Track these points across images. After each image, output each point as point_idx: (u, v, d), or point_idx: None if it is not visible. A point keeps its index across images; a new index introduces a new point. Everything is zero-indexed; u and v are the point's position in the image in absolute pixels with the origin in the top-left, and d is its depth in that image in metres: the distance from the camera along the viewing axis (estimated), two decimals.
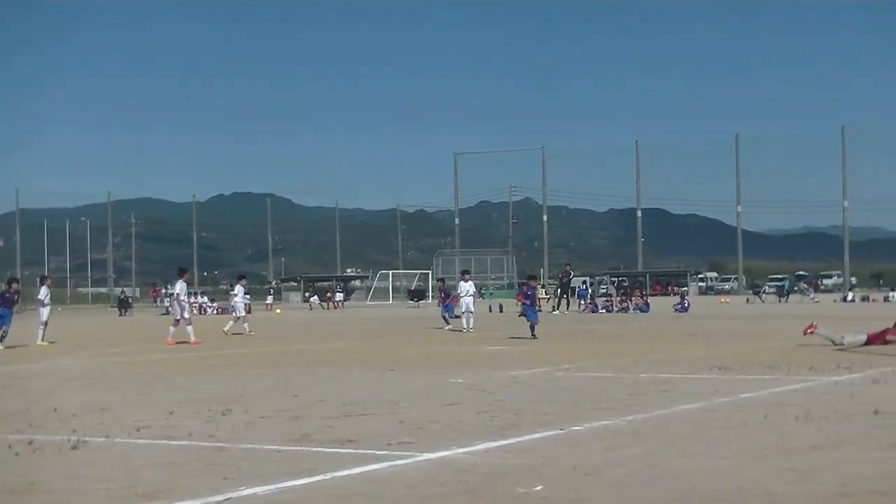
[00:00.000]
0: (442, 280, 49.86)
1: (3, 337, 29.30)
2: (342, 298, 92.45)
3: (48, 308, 31.45)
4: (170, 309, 30.59)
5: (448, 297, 40.99)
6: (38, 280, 34.80)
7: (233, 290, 41.15)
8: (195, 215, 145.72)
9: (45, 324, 30.94)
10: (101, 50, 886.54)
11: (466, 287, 35.56)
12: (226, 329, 36.62)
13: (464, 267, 56.43)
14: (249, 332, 36.19)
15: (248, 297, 41.89)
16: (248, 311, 43.21)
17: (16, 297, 31.78)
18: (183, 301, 30.75)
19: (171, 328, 30.27)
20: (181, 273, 31.63)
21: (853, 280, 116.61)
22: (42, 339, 30.42)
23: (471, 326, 34.33)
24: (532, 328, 29.97)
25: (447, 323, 37.94)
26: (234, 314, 38.53)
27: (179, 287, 30.96)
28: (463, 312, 35.01)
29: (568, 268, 60.55)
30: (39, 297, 31.76)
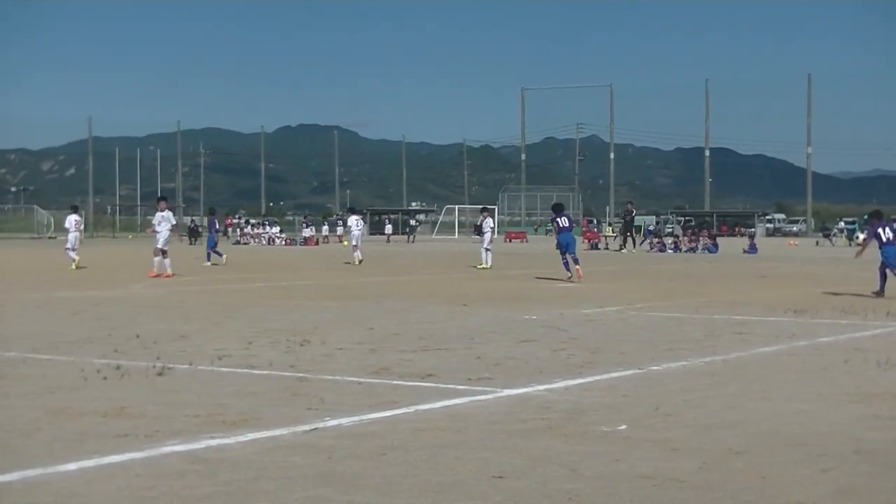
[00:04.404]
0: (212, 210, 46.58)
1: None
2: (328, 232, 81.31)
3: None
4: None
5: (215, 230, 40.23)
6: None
7: (349, 223, 40.68)
8: (263, 146, 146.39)
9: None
10: None
11: (486, 225, 35.81)
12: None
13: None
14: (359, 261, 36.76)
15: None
16: (316, 243, 43.54)
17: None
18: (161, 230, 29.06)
19: (160, 259, 28.48)
20: (165, 201, 30.92)
21: None
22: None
23: (489, 264, 34.24)
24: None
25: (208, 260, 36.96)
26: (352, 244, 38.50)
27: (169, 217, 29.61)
28: (484, 248, 34.92)
29: (630, 206, 60.04)
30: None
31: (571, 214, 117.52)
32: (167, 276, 28.09)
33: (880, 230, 22.69)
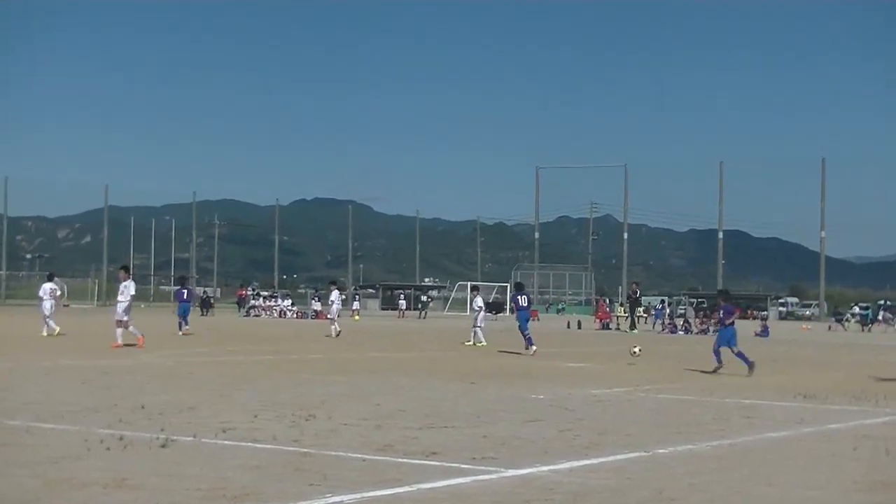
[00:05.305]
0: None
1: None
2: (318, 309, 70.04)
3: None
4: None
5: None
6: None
7: (331, 297, 42.04)
8: (278, 219, 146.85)
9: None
10: (184, 57, 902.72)
11: (475, 303, 35.99)
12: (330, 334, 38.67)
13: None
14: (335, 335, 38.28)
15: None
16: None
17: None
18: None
19: (122, 330, 28.01)
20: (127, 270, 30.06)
21: None
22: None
23: (480, 341, 34.19)
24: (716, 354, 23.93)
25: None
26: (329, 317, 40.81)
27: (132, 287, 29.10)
28: (474, 326, 35.05)
29: (635, 286, 62.02)
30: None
31: (584, 293, 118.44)
32: (140, 345, 27.67)
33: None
